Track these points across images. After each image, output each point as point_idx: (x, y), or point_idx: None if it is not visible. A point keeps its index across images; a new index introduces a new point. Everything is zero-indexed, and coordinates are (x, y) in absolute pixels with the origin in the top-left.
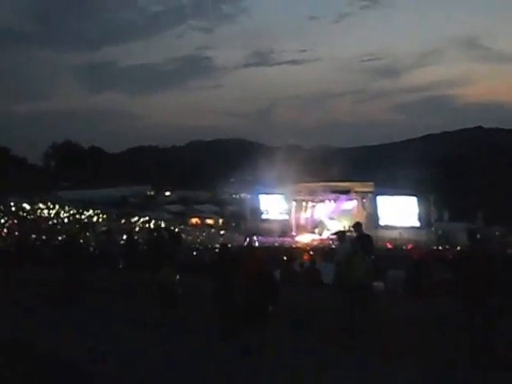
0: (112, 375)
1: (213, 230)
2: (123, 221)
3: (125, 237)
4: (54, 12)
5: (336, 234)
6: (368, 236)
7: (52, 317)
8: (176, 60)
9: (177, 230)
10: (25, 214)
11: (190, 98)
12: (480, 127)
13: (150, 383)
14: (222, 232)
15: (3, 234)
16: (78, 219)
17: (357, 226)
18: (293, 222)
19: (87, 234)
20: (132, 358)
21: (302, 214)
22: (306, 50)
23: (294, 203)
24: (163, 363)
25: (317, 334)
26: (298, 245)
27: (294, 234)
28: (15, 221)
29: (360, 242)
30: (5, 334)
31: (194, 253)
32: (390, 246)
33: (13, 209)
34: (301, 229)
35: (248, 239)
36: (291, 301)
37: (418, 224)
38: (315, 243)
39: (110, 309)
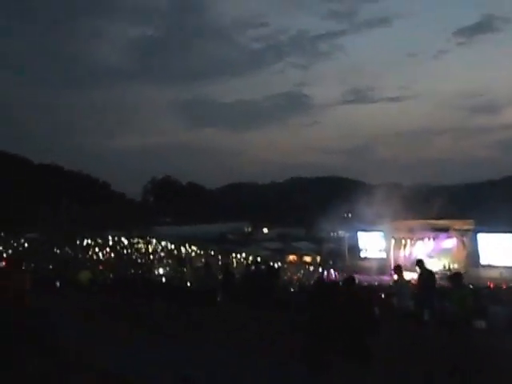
0: None
1: (310, 268)
2: (220, 256)
3: (222, 270)
4: (155, 50)
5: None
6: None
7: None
8: (274, 97)
9: (275, 264)
10: (123, 249)
11: (288, 135)
12: None
13: None
14: (319, 270)
15: (101, 268)
16: (175, 255)
17: (419, 262)
18: (391, 260)
19: (184, 269)
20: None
21: (400, 252)
22: (404, 87)
23: (392, 241)
24: None
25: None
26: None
27: (392, 272)
28: (112, 255)
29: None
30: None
31: (292, 289)
32: (491, 284)
33: (110, 243)
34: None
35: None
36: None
37: None
38: (414, 282)
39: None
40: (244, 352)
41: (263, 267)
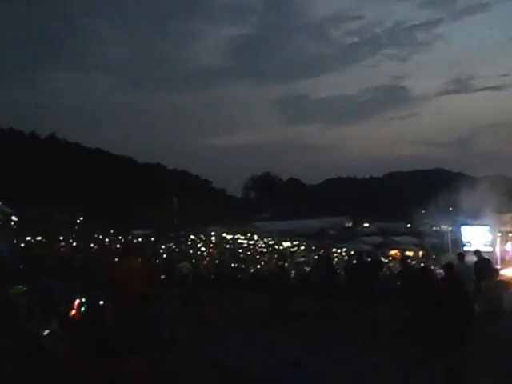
0: None
1: (413, 262)
2: (322, 251)
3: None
4: (250, 48)
5: None
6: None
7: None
8: (371, 90)
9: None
10: (225, 244)
11: (386, 128)
12: None
13: None
14: (422, 264)
15: (205, 262)
16: (276, 249)
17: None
18: (497, 254)
19: (286, 264)
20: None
21: (508, 246)
22: (507, 75)
23: (499, 234)
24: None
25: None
26: (503, 278)
27: (499, 266)
28: (215, 250)
29: None
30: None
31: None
32: None
33: (213, 238)
34: (507, 261)
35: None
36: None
37: None
38: None
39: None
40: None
41: (368, 259)
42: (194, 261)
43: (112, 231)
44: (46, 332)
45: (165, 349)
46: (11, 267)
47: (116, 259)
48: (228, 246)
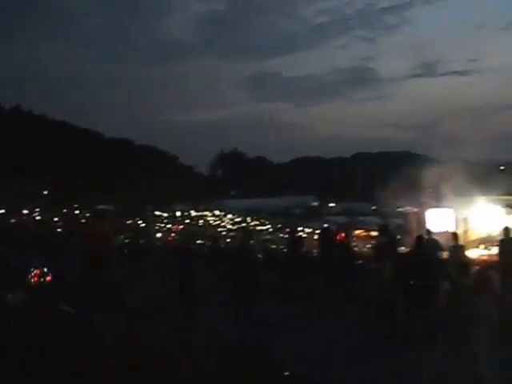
0: None
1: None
2: (287, 230)
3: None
4: (220, 24)
5: None
6: None
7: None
8: (340, 71)
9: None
10: (191, 220)
11: (354, 109)
12: None
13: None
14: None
15: (170, 238)
16: (242, 227)
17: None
18: (461, 236)
19: (251, 241)
20: None
21: (469, 229)
22: (474, 60)
23: (461, 217)
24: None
25: None
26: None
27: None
28: (181, 226)
29: None
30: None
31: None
32: None
33: (179, 214)
34: (468, 244)
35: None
36: None
37: None
38: (483, 258)
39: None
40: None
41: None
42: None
43: (76, 205)
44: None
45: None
46: None
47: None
48: (194, 223)
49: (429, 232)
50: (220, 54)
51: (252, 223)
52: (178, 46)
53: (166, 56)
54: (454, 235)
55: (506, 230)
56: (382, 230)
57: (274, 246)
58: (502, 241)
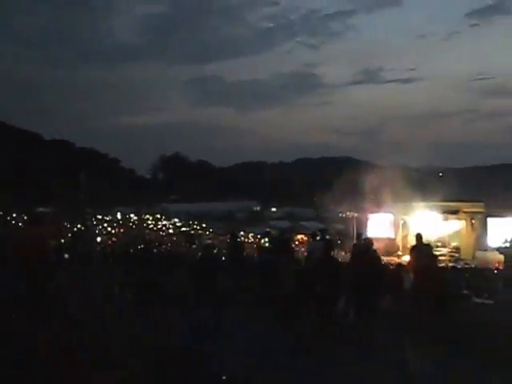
0: None
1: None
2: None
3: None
4: (165, 27)
5: None
6: None
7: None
8: (284, 76)
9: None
10: (132, 224)
11: (297, 115)
12: None
13: None
14: None
15: (110, 242)
16: (184, 231)
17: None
18: (400, 241)
19: (193, 246)
20: None
21: (408, 234)
22: (414, 69)
23: (401, 222)
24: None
25: None
26: (404, 263)
27: (399, 253)
28: (121, 230)
29: None
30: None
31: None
32: (499, 266)
33: (119, 218)
34: (407, 248)
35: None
36: None
37: None
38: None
39: None
40: None
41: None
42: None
43: (15, 208)
44: None
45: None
46: None
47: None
48: (135, 227)
49: (359, 237)
50: (163, 57)
51: (194, 227)
52: (121, 48)
53: (108, 58)
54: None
55: (418, 236)
56: (314, 235)
57: (215, 251)
58: (415, 246)
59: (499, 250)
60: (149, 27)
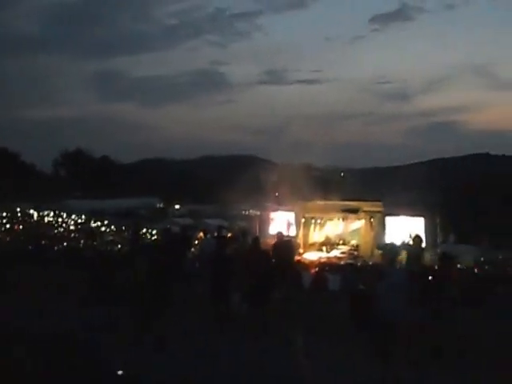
0: None
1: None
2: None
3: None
4: (67, 19)
5: None
6: None
7: None
8: (189, 73)
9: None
10: (32, 221)
11: (202, 112)
12: (487, 154)
13: None
14: None
15: (8, 239)
16: (85, 228)
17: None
18: (301, 239)
19: (94, 242)
20: None
21: (310, 232)
22: (319, 71)
23: (303, 220)
24: None
25: None
26: (306, 261)
27: (301, 251)
28: (20, 226)
29: None
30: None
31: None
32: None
33: (18, 214)
34: (309, 246)
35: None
36: None
37: (423, 245)
38: (322, 260)
39: None
40: None
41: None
42: None
43: None
44: None
45: None
46: None
47: None
48: (35, 224)
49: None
50: (67, 50)
51: (96, 224)
52: (23, 39)
53: (11, 50)
54: None
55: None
56: (205, 232)
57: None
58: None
59: (378, 246)
60: (50, 19)
